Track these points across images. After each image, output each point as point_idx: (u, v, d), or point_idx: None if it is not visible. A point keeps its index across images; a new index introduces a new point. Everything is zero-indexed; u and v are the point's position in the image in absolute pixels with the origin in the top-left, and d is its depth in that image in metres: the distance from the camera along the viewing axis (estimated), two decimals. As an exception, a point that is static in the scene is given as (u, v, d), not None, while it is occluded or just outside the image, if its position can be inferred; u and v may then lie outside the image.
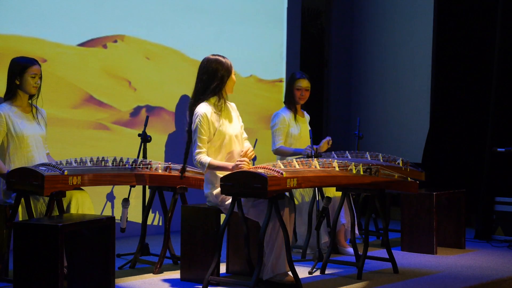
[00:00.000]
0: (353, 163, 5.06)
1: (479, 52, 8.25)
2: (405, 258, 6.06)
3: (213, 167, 4.84)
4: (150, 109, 7.21)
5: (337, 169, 4.95)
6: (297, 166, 4.76)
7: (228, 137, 4.96)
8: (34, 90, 5.06)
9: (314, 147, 5.94)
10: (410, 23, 9.23)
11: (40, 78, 5.08)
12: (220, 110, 4.97)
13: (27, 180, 4.51)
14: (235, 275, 5.20)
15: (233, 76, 5.04)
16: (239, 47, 7.97)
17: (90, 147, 6.68)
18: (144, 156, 5.70)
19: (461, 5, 8.43)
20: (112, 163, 4.96)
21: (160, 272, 5.32)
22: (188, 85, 7.54)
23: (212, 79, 4.99)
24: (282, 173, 4.51)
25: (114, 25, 6.92)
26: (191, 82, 7.54)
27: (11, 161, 4.98)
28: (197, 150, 4.85)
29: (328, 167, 4.92)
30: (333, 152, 6.34)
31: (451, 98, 8.45)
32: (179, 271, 5.16)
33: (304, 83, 6.32)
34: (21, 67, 5.02)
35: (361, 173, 5.08)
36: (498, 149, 6.78)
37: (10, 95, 5.06)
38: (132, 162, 5.07)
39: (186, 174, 5.32)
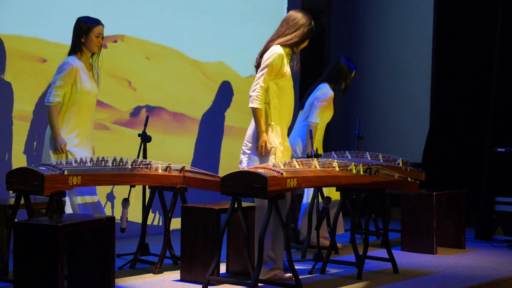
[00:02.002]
0: (353, 163, 5.06)
1: (479, 52, 8.25)
2: (405, 258, 6.06)
3: (256, 114, 5.00)
4: (150, 109, 7.21)
5: (337, 169, 4.95)
6: (297, 166, 4.76)
7: (290, 86, 5.17)
8: (97, 49, 5.44)
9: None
10: (410, 23, 9.23)
11: (103, 38, 5.45)
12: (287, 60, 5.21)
13: (27, 180, 4.51)
14: (235, 275, 5.20)
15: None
16: (239, 47, 7.96)
17: (90, 147, 6.68)
18: (144, 156, 5.70)
19: (461, 5, 8.43)
20: (112, 163, 4.96)
21: (160, 272, 5.32)
22: (188, 85, 7.57)
23: (299, 31, 5.20)
24: (282, 173, 4.51)
25: (114, 25, 6.91)
26: (191, 82, 7.61)
27: (67, 113, 5.30)
28: (262, 85, 5.01)
29: (328, 167, 4.92)
30: (333, 152, 6.34)
31: (451, 98, 8.45)
32: (179, 271, 5.17)
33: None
34: (87, 27, 5.40)
35: (361, 173, 5.08)
36: (498, 149, 6.77)
37: (75, 52, 5.42)
38: (132, 162, 5.07)
39: (186, 174, 5.32)
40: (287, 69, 5.12)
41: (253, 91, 5.02)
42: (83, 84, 5.33)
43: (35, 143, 6.37)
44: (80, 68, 5.34)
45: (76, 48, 5.41)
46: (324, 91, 6.38)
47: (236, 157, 5.31)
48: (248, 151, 5.10)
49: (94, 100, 5.46)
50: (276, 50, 5.08)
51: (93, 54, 5.47)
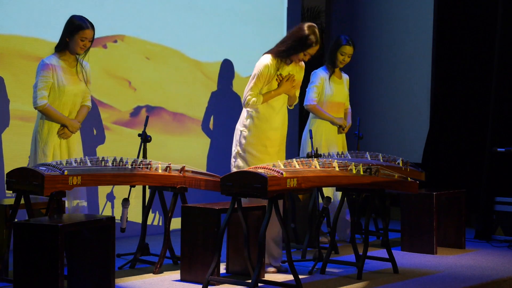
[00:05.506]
0: (353, 163, 5.06)
1: (479, 52, 8.25)
2: (405, 258, 6.06)
3: (264, 100, 5.28)
4: (150, 109, 7.21)
5: (337, 169, 4.95)
6: (297, 166, 4.76)
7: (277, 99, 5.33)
8: (81, 51, 5.42)
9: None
10: (410, 23, 9.23)
11: (91, 41, 5.40)
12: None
13: (27, 180, 4.51)
14: (235, 275, 5.20)
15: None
16: (239, 47, 7.96)
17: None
18: (144, 156, 5.70)
19: (461, 5, 8.43)
20: (112, 163, 4.96)
21: (160, 272, 5.32)
22: (188, 85, 7.56)
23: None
24: (282, 173, 4.51)
25: (114, 25, 6.92)
26: (191, 82, 7.61)
27: None
28: (250, 92, 5.31)
29: (328, 167, 4.92)
30: (333, 152, 6.34)
31: (451, 98, 8.45)
32: (179, 271, 5.17)
33: (349, 50, 6.68)
34: (74, 27, 5.36)
35: (361, 173, 5.08)
36: (498, 149, 6.78)
37: (60, 49, 5.43)
38: (132, 162, 5.07)
39: (186, 174, 5.32)
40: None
41: (244, 100, 5.31)
42: (60, 83, 5.36)
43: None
44: (58, 66, 5.37)
45: (61, 45, 5.42)
46: (312, 75, 6.70)
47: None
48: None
49: (77, 98, 5.46)
50: (263, 60, 5.24)
51: (77, 55, 5.45)
